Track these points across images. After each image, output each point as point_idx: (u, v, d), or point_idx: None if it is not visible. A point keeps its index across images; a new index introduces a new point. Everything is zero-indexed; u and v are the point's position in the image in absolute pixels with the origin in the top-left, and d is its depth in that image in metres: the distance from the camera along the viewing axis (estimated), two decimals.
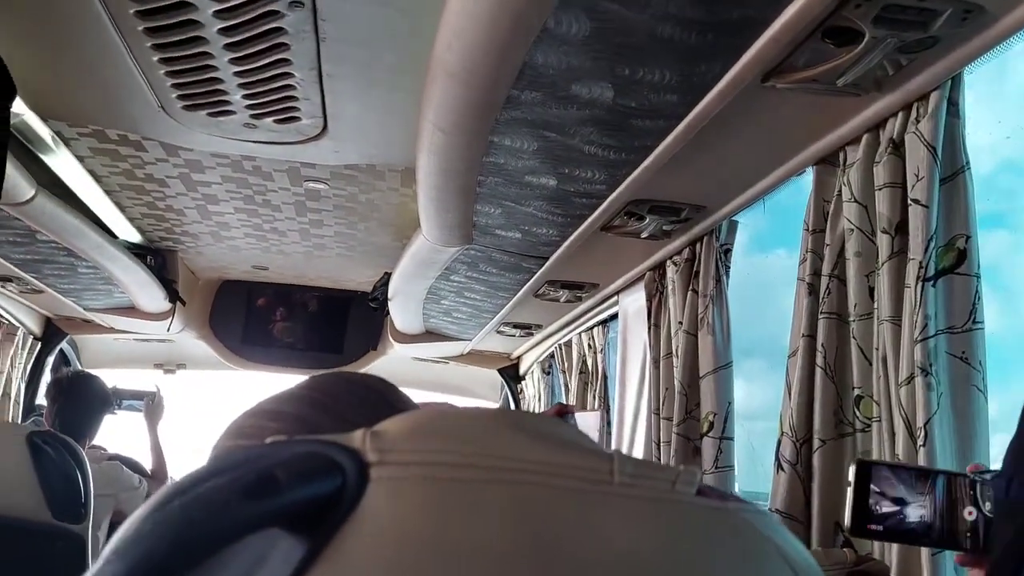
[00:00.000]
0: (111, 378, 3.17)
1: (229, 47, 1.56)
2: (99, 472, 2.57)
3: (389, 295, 3.23)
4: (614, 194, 1.83)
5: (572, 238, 2.19)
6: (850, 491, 0.90)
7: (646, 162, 1.62)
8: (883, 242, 1.34)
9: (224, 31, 1.51)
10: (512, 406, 4.36)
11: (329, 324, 4.09)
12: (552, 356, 3.81)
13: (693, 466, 0.42)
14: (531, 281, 2.65)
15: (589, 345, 3.31)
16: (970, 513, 0.86)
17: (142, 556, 0.33)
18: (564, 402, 3.56)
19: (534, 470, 0.38)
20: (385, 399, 0.66)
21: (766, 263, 2.50)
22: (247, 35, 1.52)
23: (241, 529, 0.35)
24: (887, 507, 0.89)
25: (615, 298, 2.80)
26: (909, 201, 1.28)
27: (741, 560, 0.40)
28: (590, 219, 2.02)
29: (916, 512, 0.88)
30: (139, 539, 0.34)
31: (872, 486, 0.90)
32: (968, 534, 0.86)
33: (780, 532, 0.42)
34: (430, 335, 3.73)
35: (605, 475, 0.39)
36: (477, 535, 0.35)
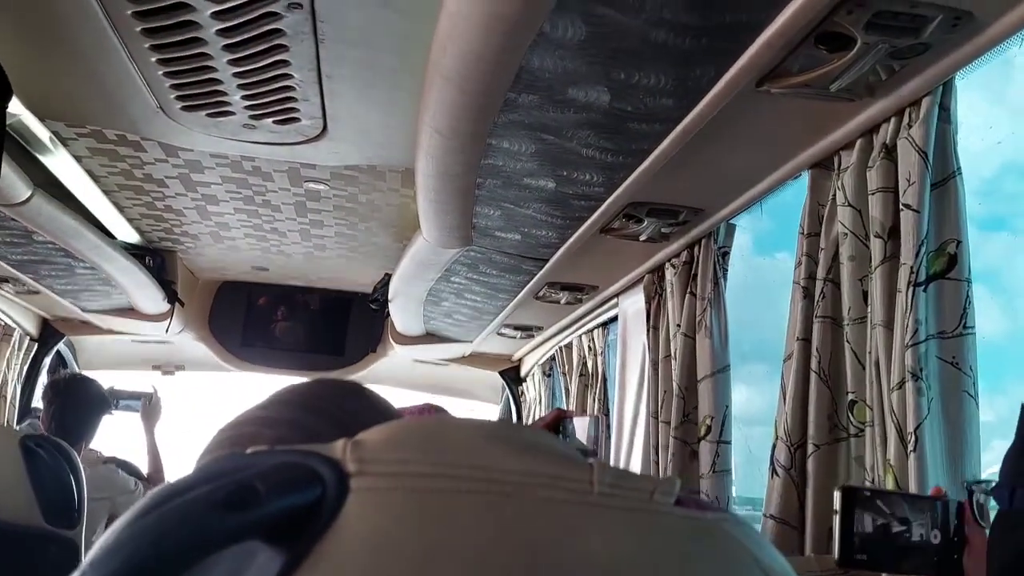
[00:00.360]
0: (108, 379, 3.17)
1: (228, 48, 1.57)
2: (95, 475, 2.57)
3: (389, 296, 3.24)
4: (612, 196, 1.84)
5: (571, 240, 2.19)
6: (837, 519, 0.89)
7: (644, 165, 1.63)
8: (876, 246, 1.34)
9: (223, 32, 1.51)
10: (513, 408, 4.36)
11: (330, 325, 4.09)
12: (553, 358, 3.82)
13: (673, 476, 0.42)
14: (531, 283, 2.66)
15: (589, 347, 3.31)
16: (935, 537, 0.85)
17: (119, 568, 0.33)
18: (564, 405, 3.57)
19: (514, 480, 0.38)
20: (372, 405, 0.67)
21: (770, 265, 2.50)
22: (246, 36, 1.53)
23: (220, 541, 0.35)
24: (873, 534, 0.88)
25: (615, 300, 2.80)
26: (901, 206, 1.29)
27: (719, 570, 0.40)
28: (589, 221, 2.02)
29: (899, 538, 0.88)
30: (117, 550, 0.34)
31: (858, 512, 0.89)
32: (935, 558, 0.85)
33: (759, 542, 0.43)
34: (431, 337, 3.73)
35: (585, 485, 0.39)
36: (456, 546, 0.36)
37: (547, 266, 2.45)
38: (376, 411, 0.64)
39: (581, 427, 2.17)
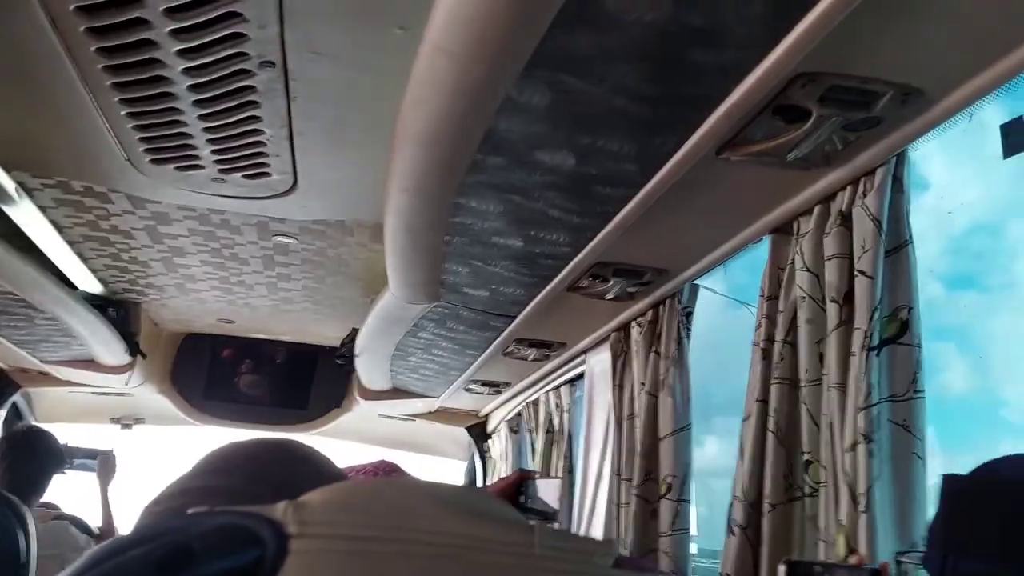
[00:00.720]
0: (65, 433, 3.10)
1: (199, 103, 1.58)
2: (46, 532, 2.50)
3: (356, 351, 3.22)
4: (579, 256, 1.87)
5: (539, 297, 2.21)
6: None
7: (609, 227, 1.66)
8: (831, 311, 1.37)
9: (194, 87, 1.53)
10: (479, 465, 4.32)
11: (295, 379, 4.05)
12: (520, 415, 3.80)
13: (612, 538, 0.43)
14: (499, 339, 2.66)
15: (556, 404, 3.31)
16: None
17: None
18: (530, 462, 3.55)
19: (456, 544, 0.39)
20: (315, 466, 0.66)
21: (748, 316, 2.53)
22: (218, 92, 1.54)
23: None
24: None
25: (582, 357, 2.81)
26: (855, 272, 1.32)
27: None
28: (556, 279, 2.05)
29: None
30: None
31: None
32: None
33: None
34: (397, 392, 3.71)
35: (526, 548, 0.40)
36: None
37: (515, 323, 2.46)
38: (320, 473, 0.64)
39: (544, 488, 2.16)
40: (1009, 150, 1.09)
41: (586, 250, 1.82)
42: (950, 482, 0.77)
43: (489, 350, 2.81)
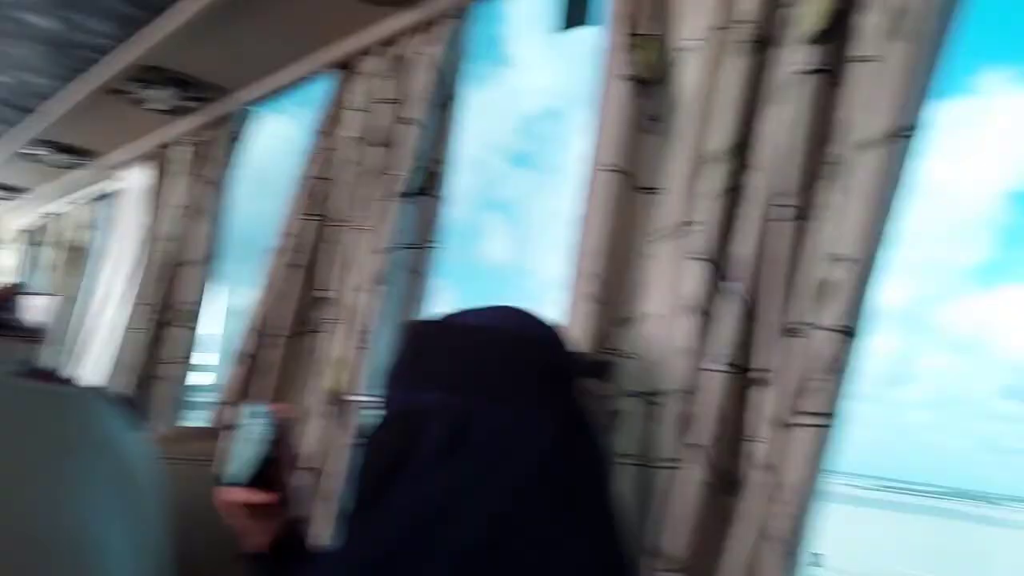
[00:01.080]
0: None
1: None
2: None
3: None
4: (125, 53, 1.70)
5: (72, 94, 1.99)
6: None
7: (164, 25, 1.53)
8: (374, 154, 1.39)
9: None
10: None
11: None
12: (40, 227, 3.42)
13: (25, 345, 0.42)
14: (17, 135, 2.34)
15: (86, 220, 3.03)
16: (267, 449, 0.88)
17: None
18: (49, 278, 3.24)
19: None
20: None
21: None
22: None
23: None
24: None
25: (117, 172, 2.59)
26: (403, 119, 1.35)
27: (55, 442, 0.40)
28: (95, 77, 1.85)
29: (247, 451, 0.89)
30: None
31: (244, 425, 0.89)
32: (256, 468, 0.88)
33: (107, 418, 0.43)
34: None
35: None
36: None
37: (39, 119, 2.18)
38: None
39: (35, 304, 2.00)
40: (564, 24, 1.10)
41: (134, 48, 1.66)
42: (411, 325, 0.85)
43: (4, 147, 2.47)
